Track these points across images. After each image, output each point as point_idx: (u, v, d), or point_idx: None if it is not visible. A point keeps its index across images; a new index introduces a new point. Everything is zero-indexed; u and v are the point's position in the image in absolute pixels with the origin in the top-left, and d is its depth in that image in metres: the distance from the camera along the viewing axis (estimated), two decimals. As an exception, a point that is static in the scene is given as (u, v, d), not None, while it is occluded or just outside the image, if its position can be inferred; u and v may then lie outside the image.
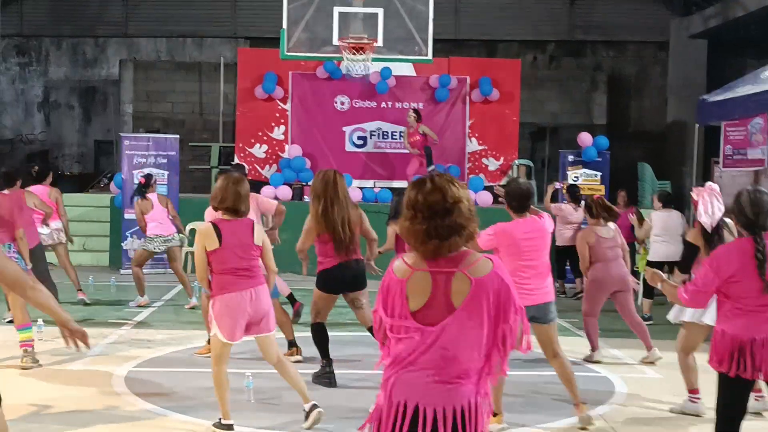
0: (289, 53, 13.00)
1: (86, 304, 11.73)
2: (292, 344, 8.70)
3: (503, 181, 17.84)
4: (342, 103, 18.12)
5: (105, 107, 23.98)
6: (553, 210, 14.09)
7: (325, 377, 7.71)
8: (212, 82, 22.41)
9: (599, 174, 16.14)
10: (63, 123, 24.16)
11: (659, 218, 11.67)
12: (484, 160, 18.29)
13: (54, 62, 23.99)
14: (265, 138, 18.13)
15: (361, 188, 16.87)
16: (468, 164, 18.20)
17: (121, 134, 17.20)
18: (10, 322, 9.36)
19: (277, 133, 18.17)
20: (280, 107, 18.14)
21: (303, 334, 8.62)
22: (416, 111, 16.83)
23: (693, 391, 7.27)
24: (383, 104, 18.12)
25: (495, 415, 6.45)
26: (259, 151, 18.15)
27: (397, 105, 18.04)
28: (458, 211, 3.33)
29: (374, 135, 18.19)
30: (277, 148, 18.09)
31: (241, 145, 18.17)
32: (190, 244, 15.64)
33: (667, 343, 8.36)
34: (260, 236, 6.26)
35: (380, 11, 12.90)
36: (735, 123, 12.39)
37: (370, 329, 7.74)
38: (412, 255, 3.38)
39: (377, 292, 3.40)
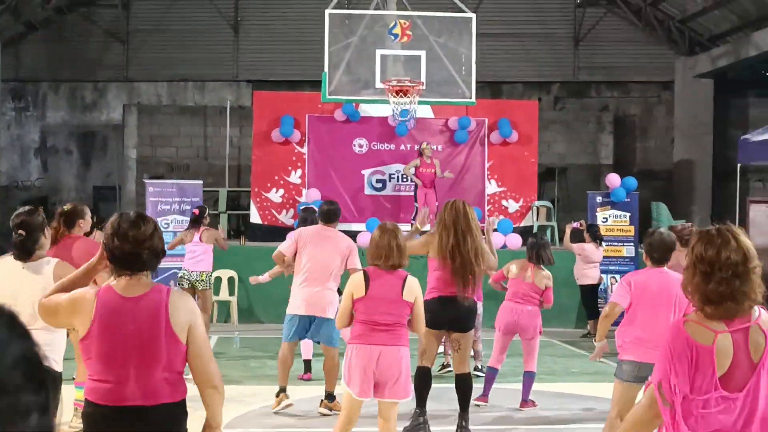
0: (331, 96, 12.78)
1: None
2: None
3: (525, 222, 17.73)
4: (360, 146, 17.94)
5: (105, 152, 23.55)
6: (575, 250, 14.01)
7: (419, 429, 7.40)
8: (217, 126, 22.16)
9: (628, 215, 16.05)
10: (61, 168, 23.68)
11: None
12: (503, 202, 18.15)
13: (51, 107, 23.55)
14: (281, 182, 17.86)
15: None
16: (488, 206, 18.05)
17: (145, 180, 16.83)
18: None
19: (294, 177, 17.91)
20: (296, 151, 17.90)
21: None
22: (428, 144, 16.76)
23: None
24: (402, 146, 17.95)
25: None
26: (276, 195, 17.86)
27: (416, 147, 17.86)
28: (755, 275, 3.15)
29: (393, 178, 18.00)
30: (294, 192, 17.80)
31: (257, 189, 17.87)
32: (216, 292, 15.36)
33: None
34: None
35: (423, 53, 12.75)
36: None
37: (461, 376, 7.47)
38: (699, 316, 3.16)
39: (659, 371, 3.10)
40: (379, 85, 12.66)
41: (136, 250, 3.66)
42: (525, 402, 8.76)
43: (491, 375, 8.88)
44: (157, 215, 15.53)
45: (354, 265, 8.05)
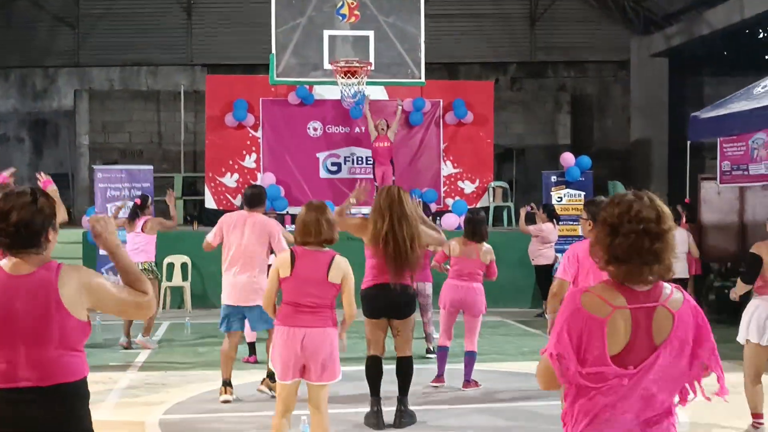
0: (278, 78, 12.61)
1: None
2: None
3: (481, 203, 17.67)
4: (315, 129, 17.77)
5: (57, 140, 23.16)
6: (533, 231, 13.98)
7: (372, 417, 7.29)
8: (171, 111, 21.84)
9: (583, 194, 16.03)
10: (12, 157, 23.17)
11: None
12: (459, 183, 18.07)
13: (1, 94, 23.10)
14: (236, 167, 17.65)
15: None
16: (444, 187, 17.96)
17: (94, 167, 16.54)
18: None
19: (249, 161, 17.71)
20: (251, 135, 17.70)
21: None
22: (386, 120, 16.64)
23: (756, 415, 7.09)
24: (357, 129, 17.80)
25: None
26: (231, 180, 17.66)
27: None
28: (667, 238, 3.02)
29: (348, 160, 17.85)
30: (249, 177, 17.58)
31: (211, 174, 17.66)
32: (168, 278, 15.16)
33: (732, 365, 8.15)
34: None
35: (371, 34, 12.60)
36: (733, 139, 12.37)
37: (402, 359, 7.36)
38: (601, 287, 3.04)
39: (551, 329, 3.03)
40: (327, 66, 12.49)
41: (8, 227, 3.49)
42: (468, 382, 8.69)
43: (443, 353, 8.80)
44: (106, 201, 15.31)
45: (281, 249, 7.85)
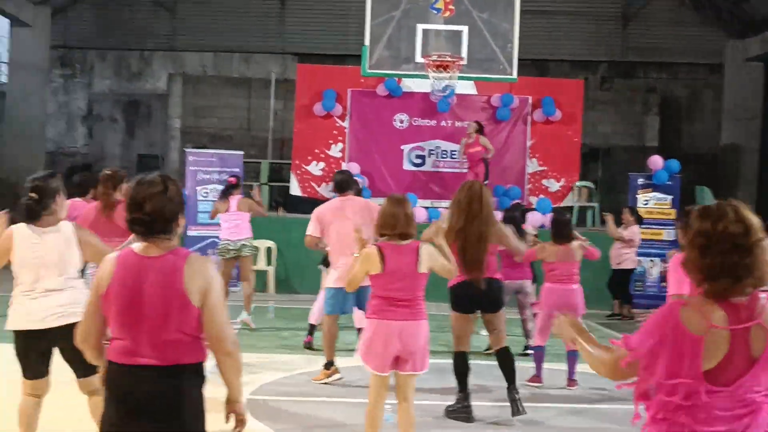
0: (371, 70, 12.74)
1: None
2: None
3: (566, 202, 17.59)
4: (401, 121, 17.87)
5: (149, 121, 23.77)
6: (627, 236, 13.87)
7: (462, 412, 7.38)
8: (261, 98, 22.22)
9: (670, 198, 15.84)
10: (106, 136, 23.96)
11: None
12: (544, 182, 17.99)
13: (98, 75, 23.80)
14: (322, 155, 17.87)
15: (426, 208, 16.58)
16: (528, 185, 17.91)
17: (186, 150, 16.93)
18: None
19: (335, 150, 17.90)
20: (338, 125, 17.89)
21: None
22: (479, 123, 16.63)
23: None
24: (443, 122, 17.86)
25: None
26: (316, 168, 17.88)
27: (458, 124, 17.77)
28: (756, 251, 3.01)
29: (433, 154, 17.92)
30: (334, 166, 17.76)
31: (297, 162, 17.91)
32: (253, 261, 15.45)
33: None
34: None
35: (465, 29, 12.64)
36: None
37: (500, 351, 7.42)
38: (699, 300, 3.04)
39: (639, 341, 3.03)
40: (419, 59, 12.58)
41: (137, 214, 3.69)
42: (571, 381, 8.72)
43: (540, 354, 8.80)
44: (196, 184, 15.67)
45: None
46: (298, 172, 17.87)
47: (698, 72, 22.75)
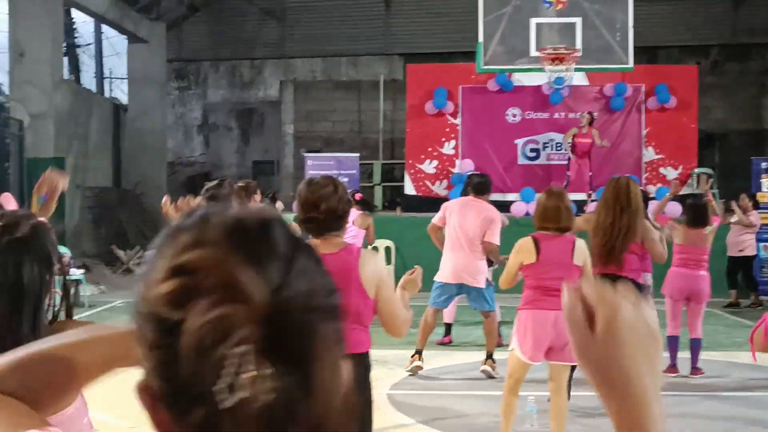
0: (486, 66, 12.85)
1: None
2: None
3: (685, 190, 17.32)
4: (514, 116, 17.91)
5: (262, 128, 24.34)
6: (755, 221, 13.65)
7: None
8: (370, 100, 22.50)
9: (795, 181, 15.49)
10: (221, 144, 24.64)
11: None
12: (661, 170, 17.78)
13: (212, 85, 24.49)
14: (435, 153, 18.04)
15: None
16: (645, 174, 17.72)
17: (304, 154, 17.37)
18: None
19: (447, 148, 18.05)
20: (450, 122, 18.03)
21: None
22: (591, 114, 16.56)
23: None
24: (556, 115, 17.83)
25: None
26: (429, 167, 18.06)
27: (570, 115, 17.71)
28: None
29: (547, 146, 17.91)
30: (447, 164, 17.96)
31: (410, 161, 18.13)
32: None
33: None
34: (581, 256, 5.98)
35: (578, 21, 12.63)
36: None
37: None
38: None
39: None
40: (534, 53, 12.62)
41: (312, 214, 3.92)
42: (695, 369, 8.66)
43: (674, 343, 8.70)
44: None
45: (491, 239, 8.25)
46: (411, 171, 18.08)
47: (816, 51, 22.06)
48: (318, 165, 16.19)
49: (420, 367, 8.65)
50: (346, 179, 16.12)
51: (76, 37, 24.23)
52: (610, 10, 12.69)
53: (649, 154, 17.82)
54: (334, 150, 20.71)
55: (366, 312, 3.85)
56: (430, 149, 18.04)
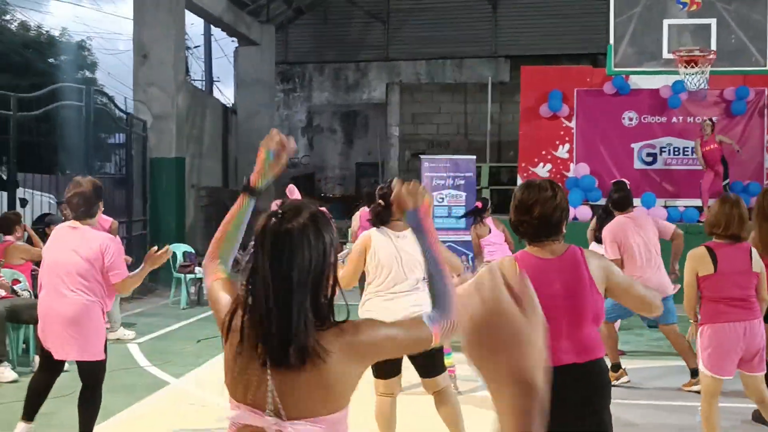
0: (617, 68, 12.58)
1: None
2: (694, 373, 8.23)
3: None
4: (630, 119, 17.54)
5: (366, 130, 24.38)
6: None
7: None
8: (476, 103, 22.36)
9: None
10: (325, 146, 24.76)
11: None
12: (785, 176, 17.23)
13: (317, 87, 24.62)
14: (548, 157, 17.78)
15: (665, 207, 16.21)
16: (767, 180, 17.18)
17: (421, 156, 17.24)
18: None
19: (562, 151, 17.77)
20: (564, 125, 17.75)
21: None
22: (711, 120, 16.12)
23: None
24: (674, 119, 17.40)
25: None
26: (543, 170, 17.79)
27: (689, 120, 17.28)
28: None
29: (664, 151, 17.49)
30: (561, 167, 17.68)
31: (524, 164, 17.89)
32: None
33: None
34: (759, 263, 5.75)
35: (713, 21, 12.28)
36: None
37: None
38: None
39: None
40: (666, 55, 12.30)
41: (524, 217, 3.79)
42: None
43: None
44: (432, 190, 15.91)
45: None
46: (524, 174, 17.83)
47: None
48: (433, 167, 16.05)
49: (627, 380, 8.36)
50: (462, 182, 16.00)
51: (186, 40, 24.61)
52: (747, 11, 12.29)
53: (772, 159, 17.28)
54: (440, 153, 20.58)
55: (601, 311, 3.73)
56: (543, 152, 17.79)
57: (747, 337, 5.59)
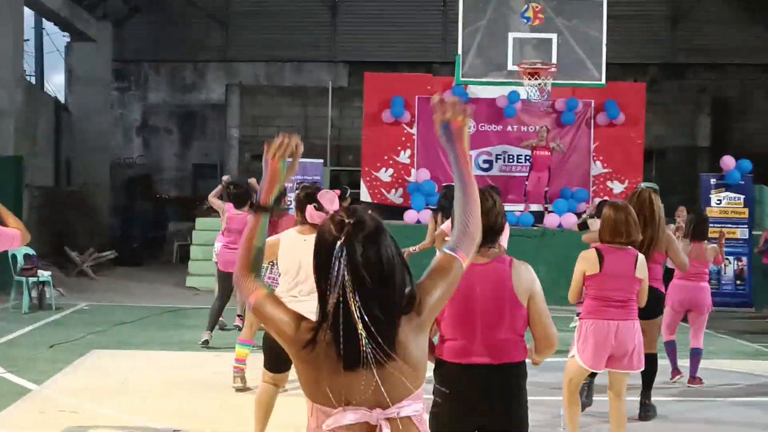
0: (464, 78, 13.07)
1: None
2: None
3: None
4: (468, 127, 18.04)
5: (204, 131, 24.11)
6: None
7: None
8: (316, 106, 22.56)
9: (743, 197, 16.15)
10: (161, 147, 24.30)
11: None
12: (608, 183, 18.30)
13: (153, 87, 24.14)
14: (391, 162, 18.18)
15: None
16: (593, 187, 18.22)
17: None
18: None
19: (404, 156, 18.21)
20: (406, 131, 18.20)
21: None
22: (547, 128, 17.06)
23: None
24: (509, 128, 18.18)
25: None
26: (385, 174, 18.19)
27: (523, 129, 18.11)
28: None
29: (500, 158, 18.25)
30: (403, 172, 18.12)
31: (367, 168, 18.22)
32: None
33: None
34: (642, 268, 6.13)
35: (554, 36, 12.97)
36: None
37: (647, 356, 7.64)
38: None
39: None
40: (511, 67, 12.89)
41: None
42: (693, 379, 8.96)
43: (672, 348, 9.01)
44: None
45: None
46: (367, 178, 18.17)
47: (749, 72, 23.01)
48: (281, 171, 16.12)
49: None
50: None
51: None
52: (586, 27, 13.06)
53: (597, 167, 18.32)
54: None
55: (520, 322, 3.95)
56: (386, 157, 18.17)
57: (619, 337, 5.98)
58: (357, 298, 2.41)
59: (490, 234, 3.97)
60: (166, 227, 22.35)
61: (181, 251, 20.87)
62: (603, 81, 13.30)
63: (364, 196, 18.21)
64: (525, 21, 13.13)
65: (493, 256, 4.00)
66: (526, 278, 3.98)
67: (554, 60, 12.95)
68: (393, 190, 18.12)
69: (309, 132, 22.67)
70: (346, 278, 2.41)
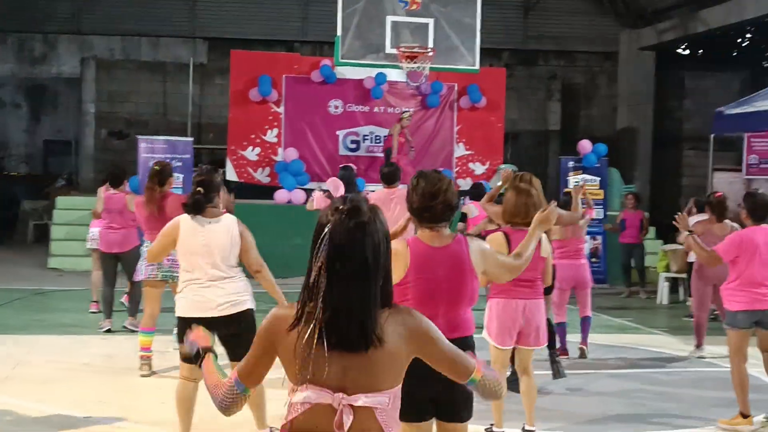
0: (343, 60, 13.19)
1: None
2: None
3: (491, 184, 18.53)
4: (336, 107, 18.36)
5: (56, 106, 23.25)
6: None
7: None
8: (175, 83, 22.15)
9: (598, 179, 17.04)
10: (9, 122, 23.28)
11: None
12: (470, 165, 18.91)
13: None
14: (258, 141, 18.13)
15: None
16: (456, 168, 18.78)
17: (138, 136, 16.84)
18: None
19: (271, 136, 18.20)
20: (273, 110, 18.18)
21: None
22: (410, 112, 17.47)
23: None
24: (376, 109, 18.47)
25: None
26: (252, 153, 18.13)
27: (389, 110, 18.44)
28: None
29: (367, 139, 18.52)
30: (270, 151, 18.12)
31: (233, 147, 18.10)
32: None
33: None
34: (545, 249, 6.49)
35: (431, 21, 13.27)
36: (761, 135, 13.48)
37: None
38: None
39: None
40: (390, 50, 13.10)
41: (430, 203, 4.26)
42: (584, 341, 9.58)
43: (562, 329, 9.42)
44: (147, 171, 15.67)
45: None
46: (234, 157, 18.06)
47: (594, 59, 24.15)
48: (150, 148, 15.86)
49: None
50: (179, 163, 15.91)
51: None
52: (460, 14, 13.42)
53: (460, 149, 18.89)
54: (139, 132, 20.18)
55: (475, 294, 4.25)
56: (252, 136, 18.10)
57: (527, 314, 6.32)
58: (336, 282, 2.53)
59: (448, 211, 4.25)
60: (19, 205, 21.48)
61: (37, 231, 20.11)
62: (477, 66, 13.71)
63: (231, 174, 18.07)
64: (403, 5, 13.33)
65: (450, 239, 4.25)
66: (478, 250, 4.29)
67: (431, 44, 13.22)
68: (260, 169, 18.08)
69: (168, 109, 22.29)
70: (328, 261, 2.54)
